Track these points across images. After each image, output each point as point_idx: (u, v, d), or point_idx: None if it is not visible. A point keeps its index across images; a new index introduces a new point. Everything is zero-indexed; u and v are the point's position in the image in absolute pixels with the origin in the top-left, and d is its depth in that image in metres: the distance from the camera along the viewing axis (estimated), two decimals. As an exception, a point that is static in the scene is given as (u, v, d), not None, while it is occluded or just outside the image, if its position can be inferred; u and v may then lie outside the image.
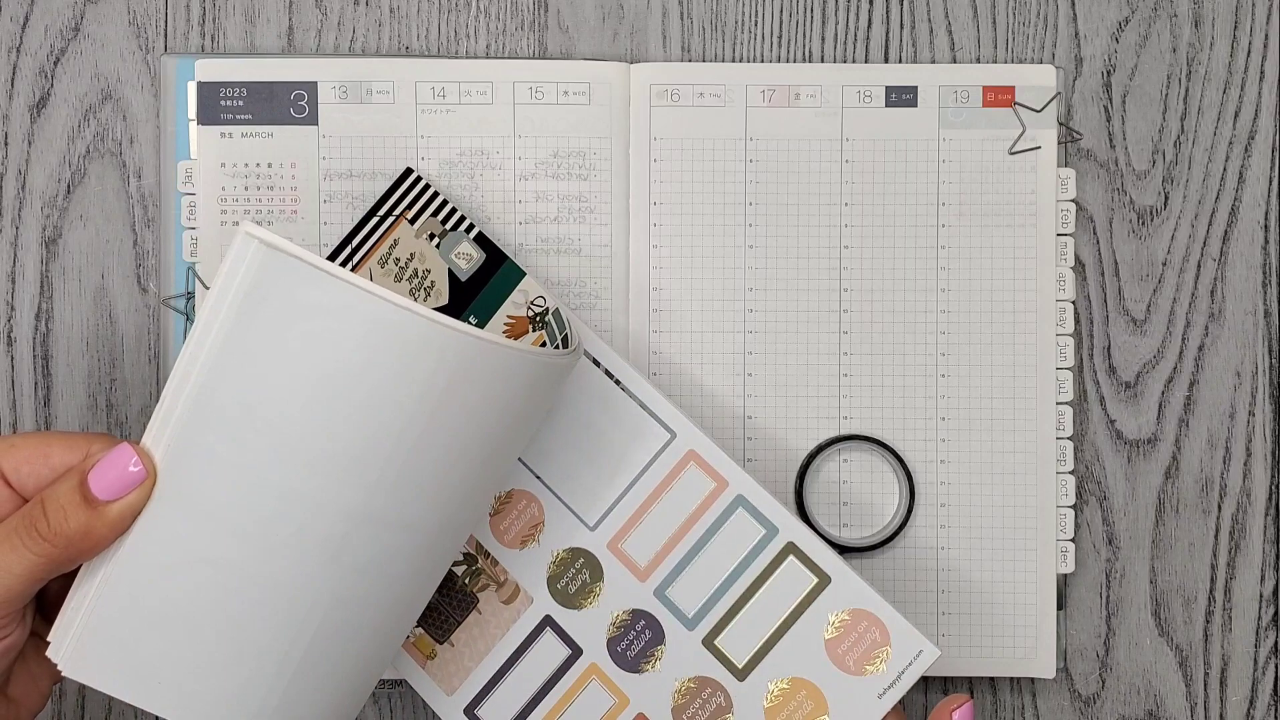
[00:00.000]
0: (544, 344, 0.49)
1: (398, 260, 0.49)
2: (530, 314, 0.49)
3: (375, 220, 0.50)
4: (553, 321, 0.48)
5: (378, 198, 0.50)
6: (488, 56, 0.53)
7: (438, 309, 0.44)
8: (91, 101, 0.53)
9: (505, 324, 0.49)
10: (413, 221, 0.49)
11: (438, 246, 0.49)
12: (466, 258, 0.49)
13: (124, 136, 0.53)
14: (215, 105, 0.51)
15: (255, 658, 0.39)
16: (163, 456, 0.37)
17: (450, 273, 0.49)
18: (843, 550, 0.51)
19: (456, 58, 0.53)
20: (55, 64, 0.53)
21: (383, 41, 0.53)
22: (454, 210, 0.50)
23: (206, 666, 0.39)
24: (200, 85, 0.51)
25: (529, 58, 0.53)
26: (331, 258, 0.50)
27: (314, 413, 0.37)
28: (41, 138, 0.53)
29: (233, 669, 0.39)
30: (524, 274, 0.49)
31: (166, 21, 0.53)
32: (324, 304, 0.37)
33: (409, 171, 0.50)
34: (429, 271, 0.49)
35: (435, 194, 0.50)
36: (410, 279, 0.49)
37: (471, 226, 0.49)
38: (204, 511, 0.38)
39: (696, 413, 0.52)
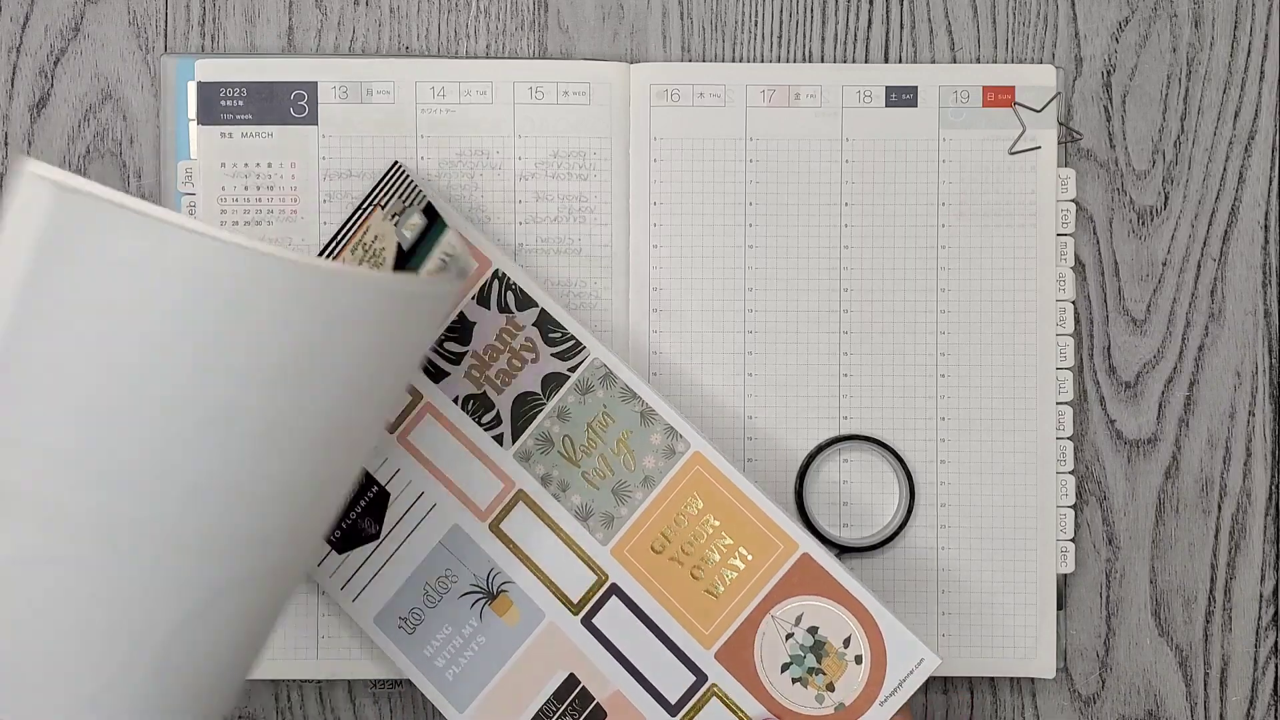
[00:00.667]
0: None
1: (366, 246, 0.49)
2: (441, 263, 0.47)
3: (357, 213, 0.50)
4: (449, 262, 0.46)
5: (367, 192, 0.50)
6: (488, 56, 0.53)
7: None
8: (91, 101, 0.53)
9: None
10: (384, 207, 0.49)
11: (395, 224, 0.49)
12: (412, 227, 0.48)
13: (124, 136, 0.53)
14: (215, 105, 0.51)
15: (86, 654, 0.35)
16: None
17: (398, 244, 0.48)
18: (842, 550, 0.51)
19: (456, 58, 0.53)
20: (55, 64, 0.53)
21: (383, 41, 0.53)
22: (417, 189, 0.49)
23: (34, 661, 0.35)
24: (200, 85, 0.51)
25: (529, 58, 0.53)
26: (321, 254, 0.50)
27: (148, 362, 0.33)
28: (41, 138, 0.53)
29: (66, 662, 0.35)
30: (446, 229, 0.47)
31: (166, 21, 0.53)
32: (138, 246, 0.32)
33: (396, 164, 0.50)
34: (384, 249, 0.48)
35: (409, 179, 0.49)
36: (369, 260, 0.48)
37: (424, 198, 0.48)
38: (9, 493, 0.33)
39: (696, 413, 0.52)
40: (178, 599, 0.35)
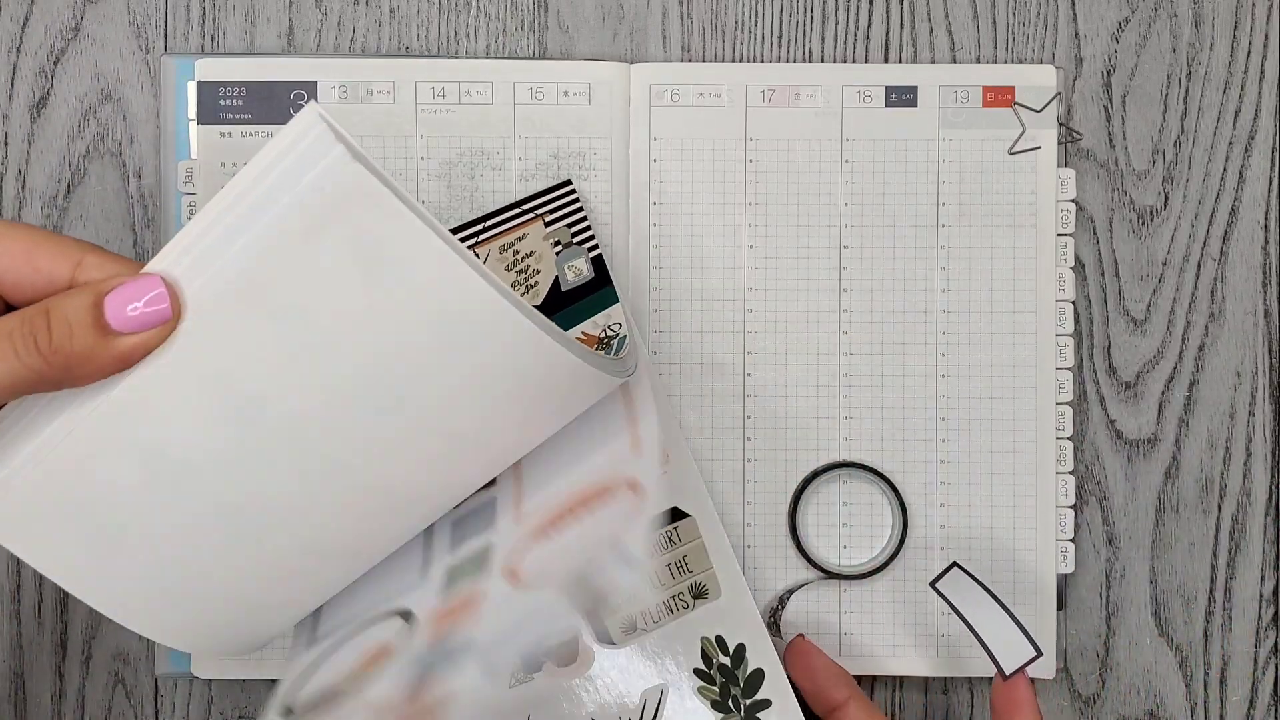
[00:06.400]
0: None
1: (517, 252, 0.50)
2: (602, 335, 0.49)
3: (515, 212, 0.50)
4: (615, 344, 0.49)
5: (534, 190, 0.51)
6: (488, 56, 0.53)
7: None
8: (91, 101, 0.53)
9: (579, 338, 0.49)
10: (548, 224, 0.50)
11: (558, 254, 0.49)
12: (576, 271, 0.49)
13: (124, 136, 0.53)
14: (215, 105, 0.51)
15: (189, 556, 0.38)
16: (192, 314, 0.34)
17: (557, 280, 0.50)
18: (838, 578, 0.51)
19: (456, 58, 0.53)
20: (55, 64, 0.53)
21: (383, 41, 0.53)
22: (589, 228, 0.50)
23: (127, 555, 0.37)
24: (200, 85, 0.51)
25: (529, 58, 0.53)
26: (456, 231, 0.50)
27: (355, 344, 0.35)
28: (41, 138, 0.53)
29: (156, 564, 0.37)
30: (616, 301, 0.49)
31: (166, 21, 0.53)
32: (400, 244, 0.34)
33: (569, 182, 0.51)
34: (539, 272, 0.49)
35: (580, 209, 0.50)
36: (519, 272, 0.49)
37: (595, 247, 0.50)
38: (200, 387, 0.35)
39: (696, 414, 0.52)
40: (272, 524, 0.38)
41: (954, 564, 0.48)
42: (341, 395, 0.36)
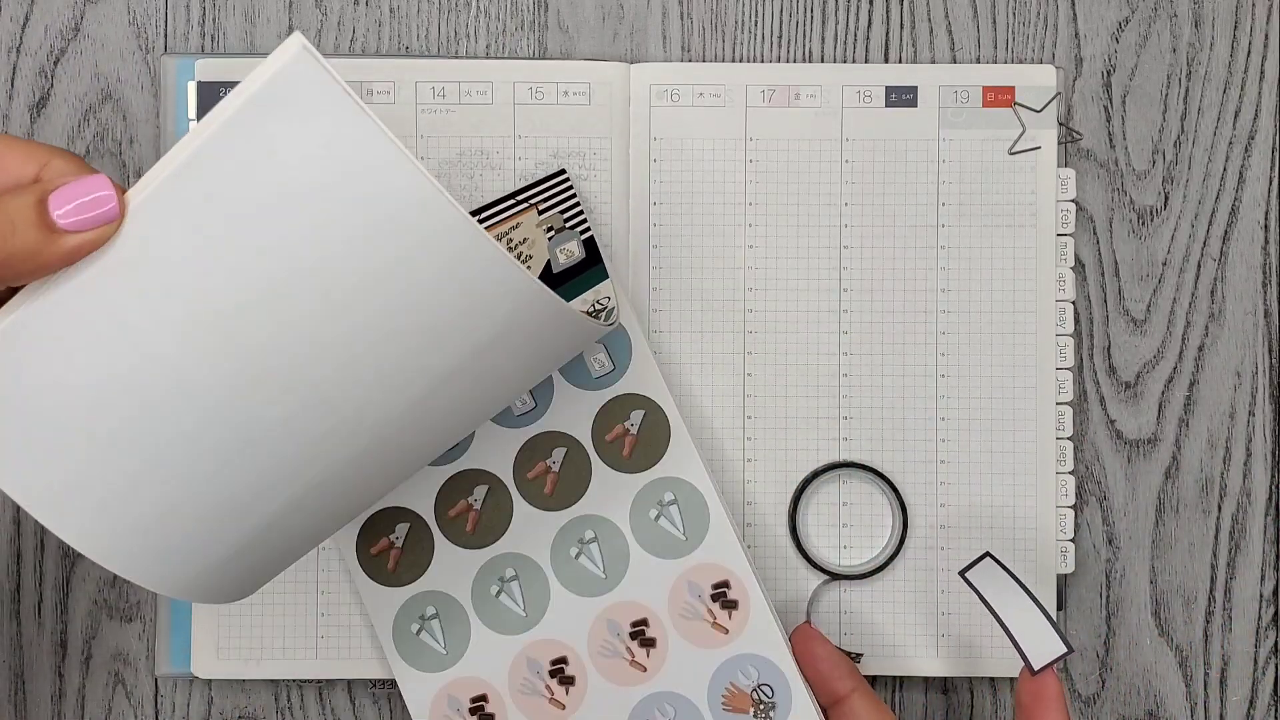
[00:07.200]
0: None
1: (510, 241, 0.50)
2: (590, 310, 0.49)
3: (511, 202, 0.50)
4: (604, 315, 0.49)
5: (528, 183, 0.51)
6: (488, 56, 0.53)
7: None
8: (91, 101, 0.53)
9: None
10: (541, 212, 0.50)
11: (550, 239, 0.50)
12: (567, 254, 0.49)
13: (124, 136, 0.53)
14: (215, 105, 0.51)
15: (163, 474, 0.36)
16: (135, 211, 0.34)
17: (549, 263, 0.50)
18: (839, 578, 0.51)
19: (456, 58, 0.53)
20: (55, 64, 0.53)
21: (383, 41, 0.53)
22: (581, 212, 0.50)
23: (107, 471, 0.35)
24: (200, 85, 0.51)
25: (529, 58, 0.53)
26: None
27: (285, 231, 0.34)
28: (41, 138, 0.53)
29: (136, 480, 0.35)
30: (606, 278, 0.49)
31: (166, 22, 0.53)
32: (335, 124, 0.33)
33: (563, 172, 0.51)
34: (531, 257, 0.49)
35: (573, 195, 0.50)
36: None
37: (587, 230, 0.50)
38: (150, 289, 0.34)
39: (696, 414, 0.52)
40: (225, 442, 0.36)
41: (987, 554, 0.47)
42: (283, 302, 0.35)
